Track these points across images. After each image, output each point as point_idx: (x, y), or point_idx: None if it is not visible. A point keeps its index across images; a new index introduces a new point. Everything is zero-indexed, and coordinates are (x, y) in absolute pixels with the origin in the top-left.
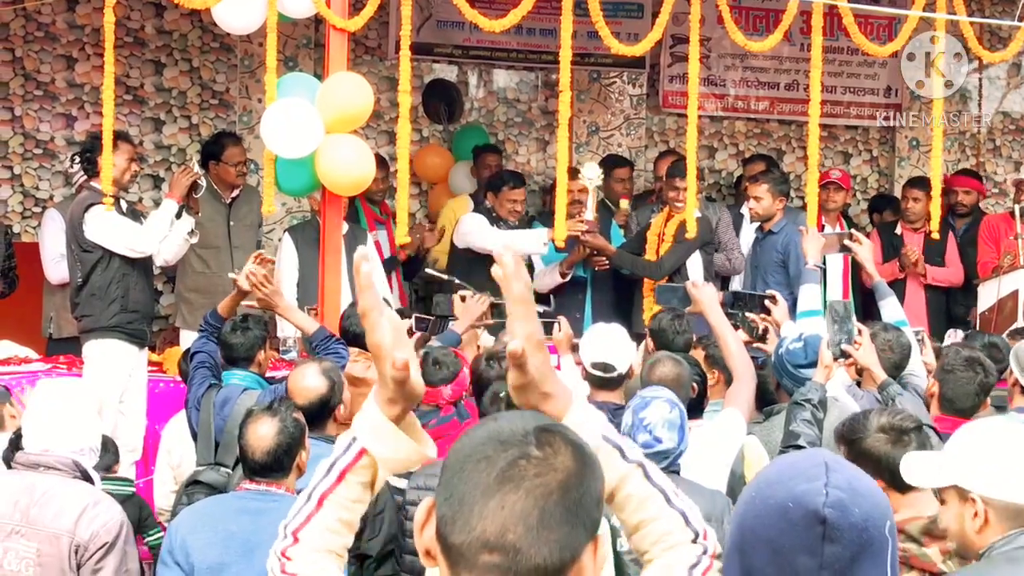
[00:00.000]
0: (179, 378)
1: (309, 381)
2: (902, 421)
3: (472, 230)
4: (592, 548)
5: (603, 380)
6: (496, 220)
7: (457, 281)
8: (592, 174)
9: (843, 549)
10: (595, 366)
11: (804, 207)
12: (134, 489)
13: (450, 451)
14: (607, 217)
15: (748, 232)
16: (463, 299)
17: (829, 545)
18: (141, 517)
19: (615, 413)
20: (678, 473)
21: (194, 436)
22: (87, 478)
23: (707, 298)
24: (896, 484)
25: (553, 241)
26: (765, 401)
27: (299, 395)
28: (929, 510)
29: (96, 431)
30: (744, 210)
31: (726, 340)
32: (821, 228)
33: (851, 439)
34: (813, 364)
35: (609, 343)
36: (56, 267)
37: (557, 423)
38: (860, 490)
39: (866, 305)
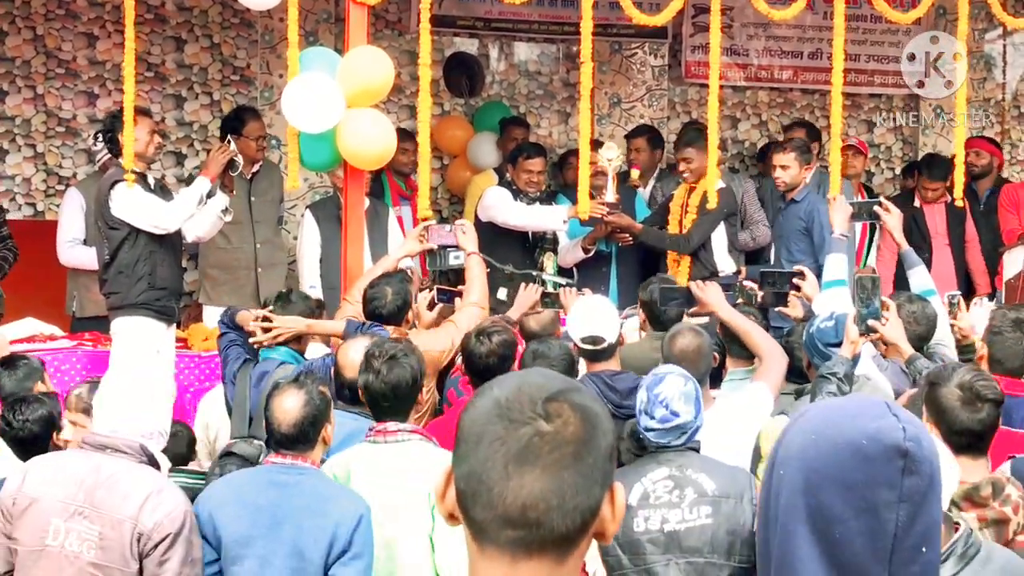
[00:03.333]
0: (203, 354)
1: (359, 354)
2: (984, 388)
3: (495, 204)
4: (609, 497)
5: (594, 352)
6: (516, 193)
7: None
8: (611, 155)
9: (920, 480)
10: (584, 340)
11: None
12: None
13: (461, 421)
14: (631, 191)
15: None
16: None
17: (909, 477)
18: None
19: (612, 379)
20: (698, 450)
21: (229, 411)
22: (153, 463)
23: (714, 297)
24: (951, 441)
25: (576, 216)
26: (796, 374)
27: (350, 368)
28: (973, 477)
29: (166, 417)
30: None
31: (746, 331)
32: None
33: (932, 382)
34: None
35: (594, 316)
36: (69, 250)
37: (562, 387)
38: (921, 425)
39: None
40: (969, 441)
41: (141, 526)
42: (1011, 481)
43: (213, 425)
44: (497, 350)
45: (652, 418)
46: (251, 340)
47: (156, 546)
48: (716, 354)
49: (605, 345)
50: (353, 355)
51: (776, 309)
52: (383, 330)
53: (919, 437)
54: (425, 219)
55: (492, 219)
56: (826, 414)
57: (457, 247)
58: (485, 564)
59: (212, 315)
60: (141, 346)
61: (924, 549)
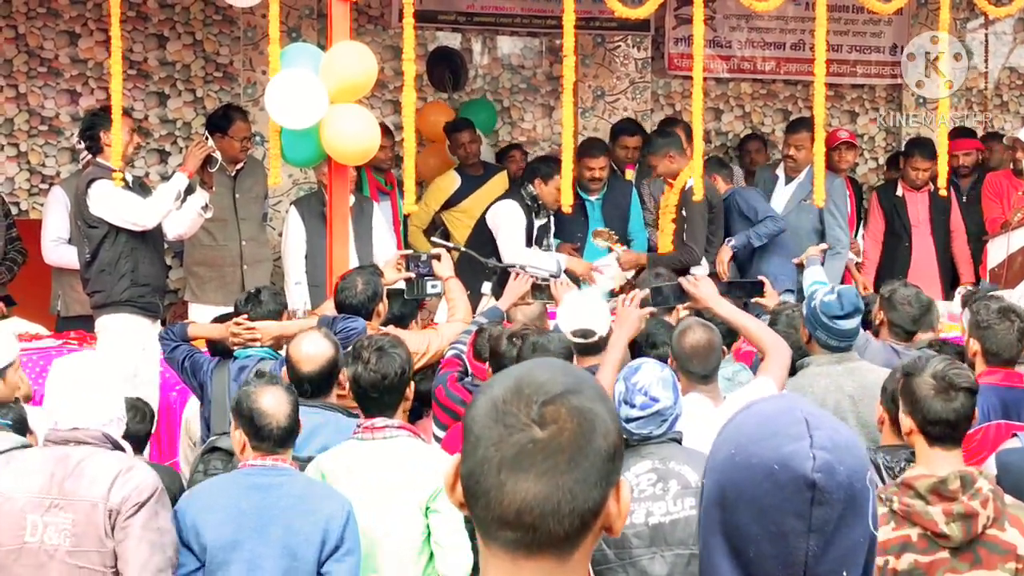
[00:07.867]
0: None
1: (314, 347)
2: (957, 376)
3: (505, 229)
4: (615, 494)
5: (585, 346)
6: (540, 207)
7: (454, 246)
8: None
9: (831, 510)
10: (575, 333)
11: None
12: None
13: (466, 415)
14: (627, 184)
15: (783, 194)
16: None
17: (818, 508)
18: None
19: None
20: (680, 441)
21: (205, 412)
22: (118, 448)
23: (708, 292)
24: (926, 432)
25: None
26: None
27: (306, 362)
28: (943, 470)
29: (120, 401)
30: (780, 171)
31: (745, 327)
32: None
33: (907, 372)
34: (849, 315)
35: (585, 309)
36: (54, 249)
37: (563, 389)
38: (841, 444)
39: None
40: (943, 431)
41: (111, 503)
42: (983, 474)
43: (195, 428)
44: (527, 354)
45: (632, 406)
46: (233, 344)
47: (125, 517)
48: (725, 349)
49: (596, 339)
50: (306, 348)
51: (754, 301)
52: (355, 321)
53: (830, 465)
54: (409, 215)
55: (495, 234)
56: (750, 426)
57: (434, 275)
58: (492, 559)
59: (198, 313)
60: (127, 343)
61: (844, 573)
